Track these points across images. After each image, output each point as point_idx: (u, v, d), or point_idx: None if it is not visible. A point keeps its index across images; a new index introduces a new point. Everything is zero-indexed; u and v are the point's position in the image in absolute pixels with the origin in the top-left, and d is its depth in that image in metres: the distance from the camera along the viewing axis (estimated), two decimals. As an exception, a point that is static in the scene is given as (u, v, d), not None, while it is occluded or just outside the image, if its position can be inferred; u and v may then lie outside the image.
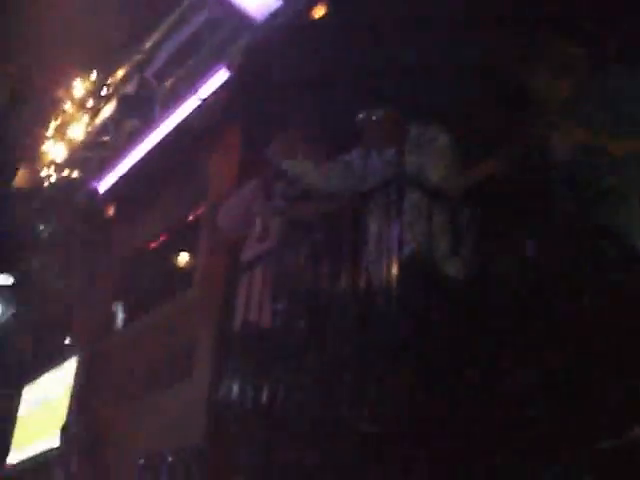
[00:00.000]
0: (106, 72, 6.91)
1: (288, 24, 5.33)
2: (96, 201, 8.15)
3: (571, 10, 4.81)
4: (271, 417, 4.62)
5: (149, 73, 6.38)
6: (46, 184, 9.09)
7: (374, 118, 4.87)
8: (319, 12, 5.37)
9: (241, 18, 5.26)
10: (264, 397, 4.66)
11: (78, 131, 8.33)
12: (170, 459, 6.02)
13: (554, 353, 3.61)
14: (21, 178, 9.87)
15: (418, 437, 3.87)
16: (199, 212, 7.62)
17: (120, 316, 8.75)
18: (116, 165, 8.29)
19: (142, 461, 6.32)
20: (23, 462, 9.03)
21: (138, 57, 6.42)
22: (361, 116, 4.89)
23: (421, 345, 4.08)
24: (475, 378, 3.86)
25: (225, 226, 5.74)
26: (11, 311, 11.21)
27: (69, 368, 8.75)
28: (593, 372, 3.39)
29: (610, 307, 3.53)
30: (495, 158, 4.66)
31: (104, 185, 8.53)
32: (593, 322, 3.52)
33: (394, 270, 4.21)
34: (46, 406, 9.11)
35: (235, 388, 5.02)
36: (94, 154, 8.08)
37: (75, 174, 8.73)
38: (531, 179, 4.35)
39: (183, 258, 8.11)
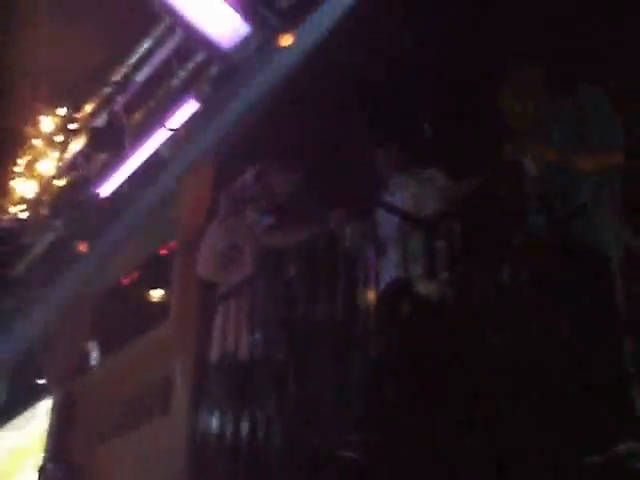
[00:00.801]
0: (74, 106, 6.85)
1: (256, 53, 5.33)
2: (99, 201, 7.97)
3: (531, 33, 4.89)
4: (252, 450, 4.55)
5: (118, 106, 6.33)
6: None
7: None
8: (286, 41, 5.37)
9: (209, 48, 5.24)
10: (244, 430, 4.60)
11: (48, 166, 8.27)
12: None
13: (536, 371, 3.60)
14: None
15: (403, 463, 3.82)
16: (171, 246, 7.56)
17: (95, 354, 8.64)
18: (87, 198, 8.20)
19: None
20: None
21: (107, 90, 6.38)
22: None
23: (403, 370, 4.05)
24: (459, 403, 3.83)
25: (205, 273, 5.65)
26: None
27: (45, 408, 8.62)
28: (576, 389, 3.37)
29: (588, 324, 3.51)
30: (472, 181, 4.72)
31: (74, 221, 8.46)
32: (571, 341, 3.50)
33: (372, 296, 4.19)
34: (22, 448, 8.96)
35: (214, 422, 4.95)
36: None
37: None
38: (506, 200, 4.38)
39: (157, 293, 8.04)
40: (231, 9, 4.72)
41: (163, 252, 7.96)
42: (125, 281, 8.63)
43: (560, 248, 3.80)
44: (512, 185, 4.25)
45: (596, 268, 3.60)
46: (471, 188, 4.64)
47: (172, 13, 4.74)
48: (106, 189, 7.88)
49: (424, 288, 4.39)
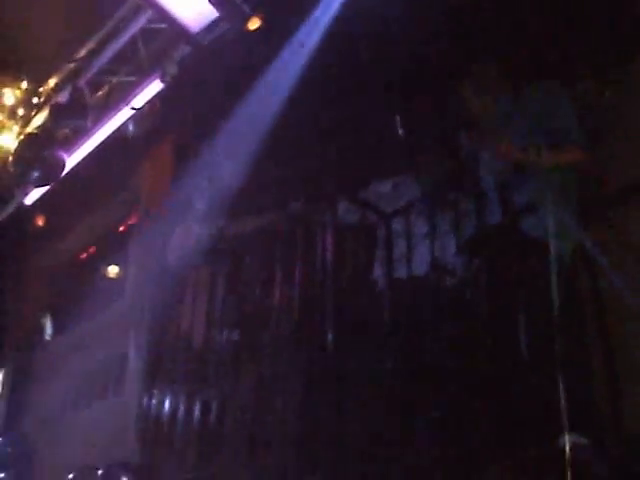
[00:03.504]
0: (38, 81, 6.79)
1: (223, 36, 5.33)
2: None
3: (494, 30, 4.94)
4: (204, 432, 4.58)
5: (82, 82, 6.29)
6: None
7: None
8: (254, 24, 5.37)
9: (177, 29, 5.23)
10: (197, 412, 4.63)
11: (9, 140, 8.20)
12: (100, 472, 5.91)
13: (486, 364, 3.68)
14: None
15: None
16: (130, 222, 7.55)
17: (49, 329, 8.59)
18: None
19: (71, 476, 6.19)
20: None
21: (71, 66, 6.33)
22: None
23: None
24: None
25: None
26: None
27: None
28: (517, 385, 3.46)
29: (539, 320, 3.60)
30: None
31: (34, 195, 8.39)
32: (519, 336, 3.58)
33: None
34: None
35: (167, 402, 4.97)
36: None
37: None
38: (464, 194, 4.44)
39: (113, 269, 8.02)
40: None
41: (122, 228, 7.95)
42: (83, 256, 8.60)
43: (511, 242, 3.89)
44: (470, 179, 4.32)
45: (542, 263, 3.67)
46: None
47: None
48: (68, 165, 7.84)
49: None
